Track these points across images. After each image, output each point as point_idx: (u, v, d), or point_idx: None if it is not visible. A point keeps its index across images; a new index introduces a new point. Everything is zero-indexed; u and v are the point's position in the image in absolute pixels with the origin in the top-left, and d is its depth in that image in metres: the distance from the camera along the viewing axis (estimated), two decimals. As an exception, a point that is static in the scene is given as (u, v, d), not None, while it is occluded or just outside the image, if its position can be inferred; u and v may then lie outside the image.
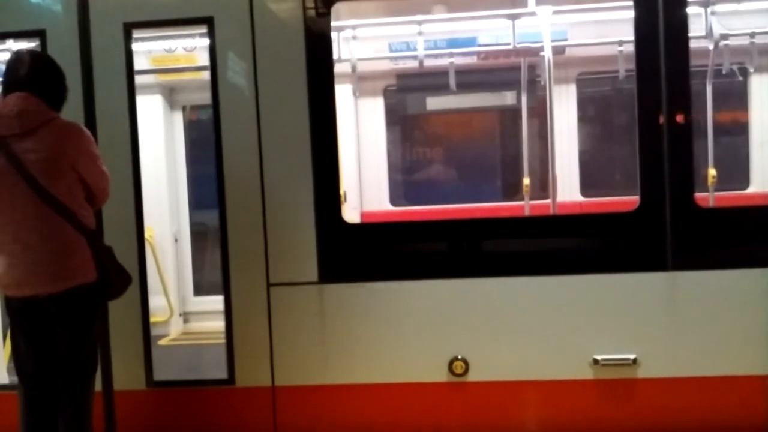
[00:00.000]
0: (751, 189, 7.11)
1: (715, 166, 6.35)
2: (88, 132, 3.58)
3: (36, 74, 3.52)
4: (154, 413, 4.35)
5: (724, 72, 6.32)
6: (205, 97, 7.60)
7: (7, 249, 3.43)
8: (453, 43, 6.66)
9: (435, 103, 7.42)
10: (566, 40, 6.56)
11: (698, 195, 4.17)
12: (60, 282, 3.40)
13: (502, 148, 7.89)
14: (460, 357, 4.19)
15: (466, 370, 4.18)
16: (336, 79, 4.33)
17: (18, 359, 3.57)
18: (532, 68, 6.51)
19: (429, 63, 6.56)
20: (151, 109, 7.67)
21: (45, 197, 3.37)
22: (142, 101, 7.49)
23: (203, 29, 4.35)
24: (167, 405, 4.35)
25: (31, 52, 3.72)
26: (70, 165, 3.44)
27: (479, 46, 6.77)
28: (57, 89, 3.59)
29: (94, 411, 3.63)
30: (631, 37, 4.22)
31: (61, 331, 3.48)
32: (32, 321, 3.50)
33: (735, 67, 6.48)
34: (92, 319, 3.58)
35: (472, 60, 6.88)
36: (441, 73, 6.57)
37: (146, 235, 7.39)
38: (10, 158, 3.36)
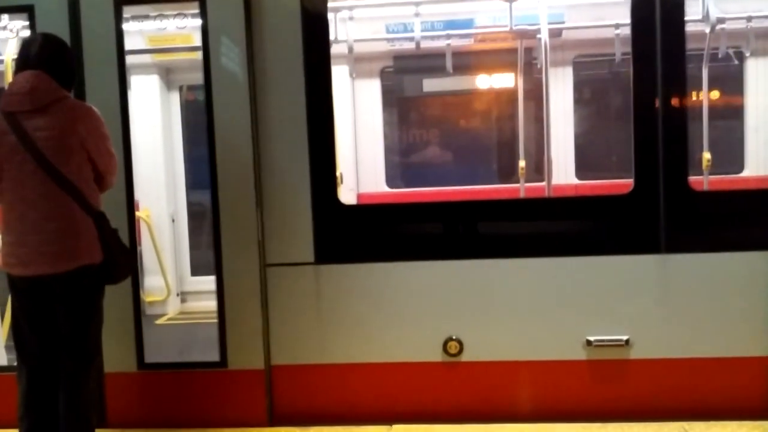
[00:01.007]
0: (746, 173, 7.15)
1: (710, 150, 6.38)
2: (98, 112, 3.56)
3: (47, 53, 3.48)
4: (146, 396, 4.35)
5: (720, 56, 6.33)
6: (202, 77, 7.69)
7: (13, 227, 3.41)
8: (450, 24, 6.66)
9: (432, 85, 7.42)
10: (563, 22, 6.55)
11: (692, 178, 4.20)
12: (65, 262, 3.36)
13: (498, 130, 7.90)
14: (454, 337, 4.23)
15: (461, 350, 4.23)
16: (332, 60, 4.33)
17: (19, 338, 3.53)
18: (529, 51, 6.51)
19: (426, 45, 6.54)
20: (147, 89, 7.66)
21: (54, 176, 3.34)
22: (138, 81, 7.58)
23: (195, 9, 4.31)
24: (158, 388, 4.35)
25: (43, 33, 3.70)
26: (80, 144, 3.41)
27: (476, 28, 6.75)
28: (67, 69, 3.56)
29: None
30: (628, 20, 4.22)
31: (65, 312, 3.44)
32: (36, 300, 3.46)
33: (731, 51, 6.50)
34: (96, 300, 3.56)
35: (469, 42, 6.87)
36: (438, 55, 6.56)
37: (143, 215, 7.49)
38: (20, 135, 3.33)
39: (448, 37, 6.52)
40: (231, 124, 4.24)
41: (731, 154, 7.16)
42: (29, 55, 3.48)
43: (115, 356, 4.25)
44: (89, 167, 3.49)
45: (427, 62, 7.11)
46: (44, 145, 3.33)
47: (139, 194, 7.51)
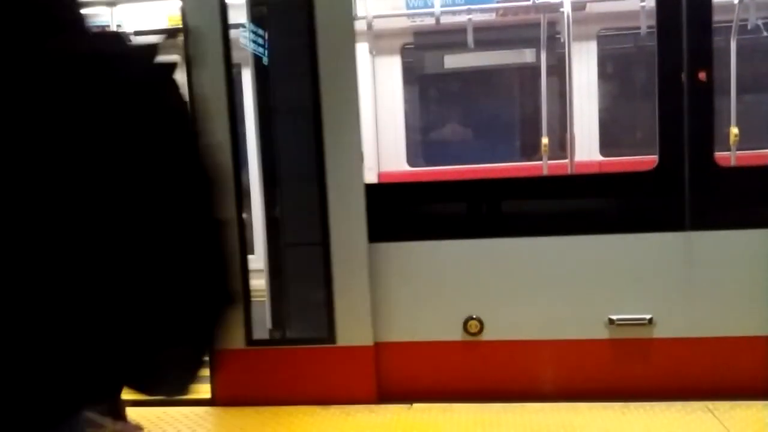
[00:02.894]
0: (775, 148, 6.98)
1: (739, 125, 6.23)
2: None
3: None
4: (253, 373, 4.33)
5: (749, 27, 6.16)
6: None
7: None
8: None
9: (453, 61, 7.32)
10: (587, -6, 6.42)
11: (719, 154, 4.10)
12: None
13: (520, 107, 7.80)
14: (474, 316, 4.20)
15: (481, 330, 4.20)
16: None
17: None
18: (552, 25, 6.39)
19: (447, 20, 6.45)
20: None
21: None
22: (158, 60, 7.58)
23: None
24: (266, 364, 4.33)
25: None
26: None
27: (498, 2, 6.64)
28: None
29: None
30: (654, -8, 4.12)
31: None
32: None
33: (761, 22, 6.32)
34: None
35: (490, 17, 6.76)
36: (459, 30, 6.46)
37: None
38: None
39: (469, 11, 6.41)
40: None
41: (760, 128, 7.00)
42: None
43: (223, 333, 4.26)
44: None
45: (448, 38, 7.01)
46: None
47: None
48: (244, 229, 4.32)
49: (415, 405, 4.15)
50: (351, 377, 4.23)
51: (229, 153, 4.12)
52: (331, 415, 4.08)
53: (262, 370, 4.30)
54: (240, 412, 4.21)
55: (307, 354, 4.27)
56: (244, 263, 4.21)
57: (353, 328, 4.21)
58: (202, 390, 4.44)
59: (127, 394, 1.21)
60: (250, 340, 4.30)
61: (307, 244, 4.27)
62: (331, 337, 4.23)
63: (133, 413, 4.07)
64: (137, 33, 6.99)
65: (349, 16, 4.19)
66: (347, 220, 4.17)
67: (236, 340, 4.27)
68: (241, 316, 4.27)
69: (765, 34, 6.45)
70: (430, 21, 6.42)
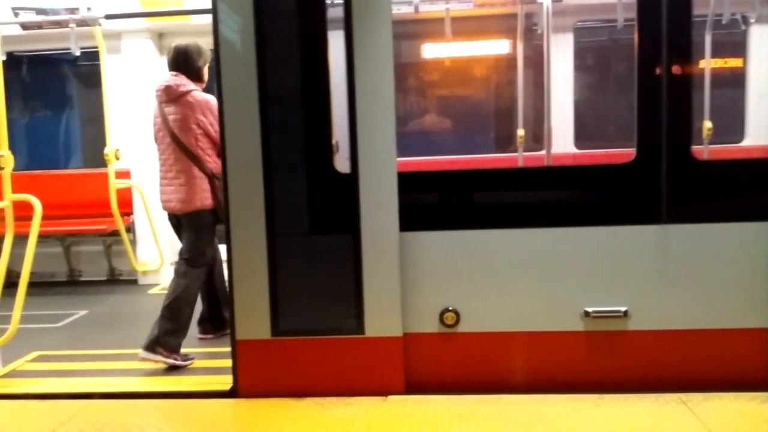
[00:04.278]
0: (746, 142, 7.08)
1: (711, 119, 6.29)
2: (214, 101, 4.71)
3: (174, 59, 5.03)
4: (279, 363, 4.24)
5: (724, 22, 6.21)
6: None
7: (162, 180, 5.07)
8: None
9: (431, 50, 7.29)
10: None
11: (693, 147, 4.12)
12: (184, 205, 4.93)
13: (496, 98, 7.80)
14: (451, 308, 4.18)
15: (458, 321, 4.18)
16: (329, 25, 4.20)
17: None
18: (530, 16, 6.38)
19: (425, 9, 6.40)
20: (139, 54, 7.52)
21: (179, 145, 4.87)
22: (129, 45, 7.44)
23: None
24: (293, 355, 4.23)
25: (175, 44, 5.06)
26: (195, 123, 4.86)
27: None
28: (190, 69, 5.01)
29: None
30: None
31: (186, 236, 5.03)
32: (175, 226, 5.20)
33: (737, 17, 6.38)
34: (204, 231, 5.02)
35: (468, 6, 6.72)
36: (437, 20, 6.42)
37: (136, 183, 7.40)
38: (163, 118, 4.94)
39: (447, 1, 6.37)
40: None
41: (732, 122, 7.08)
42: (168, 62, 5.09)
43: (248, 322, 4.20)
44: (206, 140, 4.91)
45: (426, 27, 6.98)
46: (174, 125, 4.88)
47: (131, 163, 7.51)
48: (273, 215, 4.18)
49: (390, 397, 4.12)
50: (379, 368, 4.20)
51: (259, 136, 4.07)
52: (304, 407, 4.04)
53: (288, 361, 4.23)
54: (263, 403, 4.14)
55: (334, 344, 4.21)
56: (272, 250, 4.15)
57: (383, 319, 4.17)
58: (224, 381, 4.40)
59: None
60: (276, 330, 4.22)
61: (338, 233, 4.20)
62: (360, 327, 4.18)
63: (150, 405, 4.20)
64: (108, 17, 6.86)
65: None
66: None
67: (261, 330, 4.21)
68: (267, 305, 4.20)
69: (739, 28, 6.52)
70: (408, 10, 6.34)
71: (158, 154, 5.09)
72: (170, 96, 4.88)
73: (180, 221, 5.05)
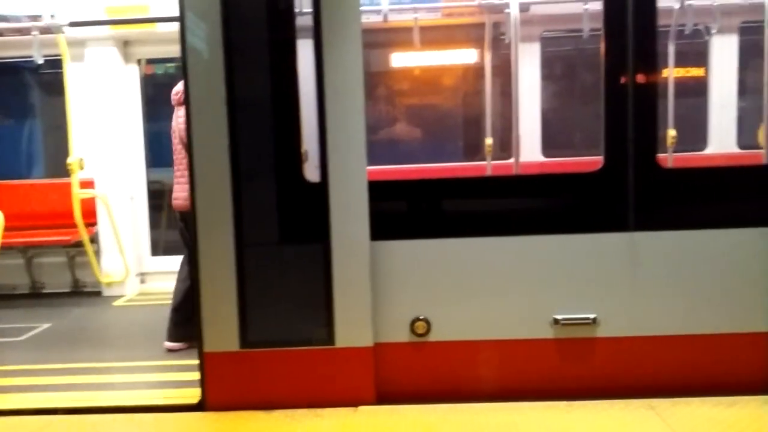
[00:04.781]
0: (709, 150, 7.21)
1: (674, 127, 6.40)
2: None
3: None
4: (247, 376, 4.18)
5: (686, 32, 6.33)
6: (161, 51, 7.51)
7: (174, 180, 5.42)
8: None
9: (400, 60, 7.31)
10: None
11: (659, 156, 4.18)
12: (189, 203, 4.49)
13: (464, 107, 7.84)
14: (421, 317, 4.17)
15: (428, 330, 4.17)
16: (298, 33, 4.18)
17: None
18: (497, 26, 6.43)
19: (393, 18, 6.42)
20: (104, 62, 7.42)
21: (186, 147, 4.62)
22: (94, 53, 7.33)
23: None
24: (261, 367, 4.17)
25: None
26: None
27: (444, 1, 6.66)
28: None
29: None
30: (597, -5, 4.15)
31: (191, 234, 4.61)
32: (185, 223, 5.33)
33: (699, 27, 6.50)
34: None
35: (436, 16, 6.76)
36: (406, 29, 6.44)
37: (100, 193, 7.29)
38: (175, 121, 5.30)
39: (416, 11, 6.40)
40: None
41: (695, 131, 7.21)
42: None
43: (216, 334, 4.13)
44: None
45: (396, 36, 6.99)
46: (181, 127, 5.07)
47: (95, 173, 7.39)
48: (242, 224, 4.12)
49: (361, 408, 4.09)
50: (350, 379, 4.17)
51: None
52: (274, 419, 3.99)
53: (257, 373, 4.17)
54: (232, 416, 4.08)
55: (304, 355, 4.16)
56: (240, 260, 4.09)
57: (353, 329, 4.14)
58: (192, 395, 4.32)
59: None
60: (245, 342, 4.16)
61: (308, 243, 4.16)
62: (330, 338, 4.14)
63: (116, 420, 4.11)
64: (72, 24, 6.76)
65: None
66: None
67: (230, 341, 4.14)
68: (235, 316, 4.13)
69: (701, 39, 6.65)
70: (376, 18, 6.35)
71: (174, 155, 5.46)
72: (179, 100, 5.22)
73: (186, 221, 5.17)
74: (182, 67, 4.03)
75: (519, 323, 4.17)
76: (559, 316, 4.14)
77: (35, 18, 6.77)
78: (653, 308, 4.11)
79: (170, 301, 5.49)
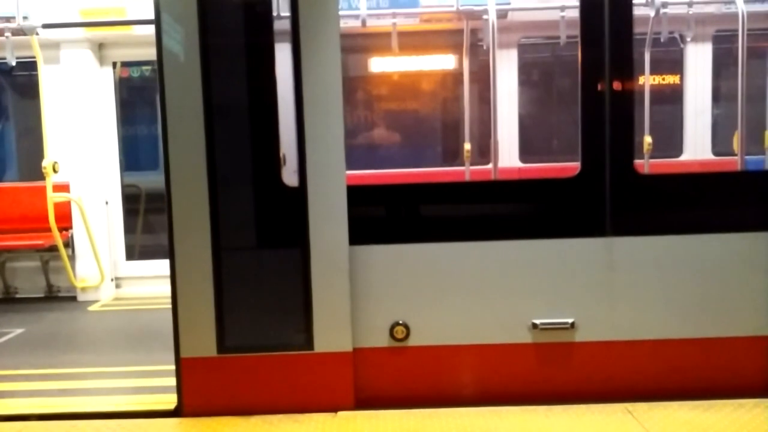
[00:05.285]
0: (684, 156, 7.30)
1: (651, 134, 6.47)
2: None
3: None
4: (225, 381, 4.14)
5: (662, 40, 6.41)
6: (136, 54, 7.45)
7: None
8: (396, 3, 6.55)
9: (378, 65, 7.31)
10: (509, 3, 6.53)
11: (635, 162, 4.22)
12: None
13: (443, 112, 7.86)
14: (401, 322, 4.16)
15: (407, 335, 4.16)
16: (276, 38, 4.16)
17: None
18: (475, 32, 6.46)
19: (372, 23, 6.42)
20: (79, 65, 7.34)
21: None
22: (69, 56, 7.24)
23: None
24: (239, 372, 4.14)
25: None
26: None
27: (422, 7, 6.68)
28: None
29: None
30: (574, 3, 4.18)
31: None
32: None
33: (675, 35, 6.59)
34: None
35: (415, 22, 6.78)
36: (384, 34, 6.45)
37: (75, 197, 7.19)
38: None
39: (394, 15, 6.41)
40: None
41: (671, 137, 7.30)
42: None
43: (193, 339, 4.07)
44: None
45: (374, 42, 7.00)
46: None
47: (70, 176, 7.29)
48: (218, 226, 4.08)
49: (340, 413, 4.07)
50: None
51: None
52: (252, 425, 3.95)
53: (235, 378, 4.13)
54: (209, 422, 4.03)
55: (283, 361, 4.13)
56: (218, 265, 4.05)
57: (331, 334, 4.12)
58: (168, 401, 4.25)
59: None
60: (222, 347, 4.12)
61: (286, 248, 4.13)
62: (308, 343, 4.12)
63: (91, 427, 4.03)
64: (46, 26, 6.68)
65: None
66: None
67: (207, 347, 4.10)
68: (212, 321, 4.09)
69: (677, 47, 6.74)
70: (354, 23, 6.35)
71: None
72: None
73: None
74: (158, 71, 4.00)
75: (497, 328, 4.18)
76: (537, 321, 4.15)
77: (8, 19, 6.67)
78: (630, 313, 4.14)
79: (146, 307, 5.40)
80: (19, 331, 6.35)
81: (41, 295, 7.74)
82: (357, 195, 4.14)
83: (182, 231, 4.06)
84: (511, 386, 4.18)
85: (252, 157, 4.11)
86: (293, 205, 4.05)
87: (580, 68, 4.11)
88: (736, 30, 5.37)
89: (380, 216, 4.34)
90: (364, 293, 4.15)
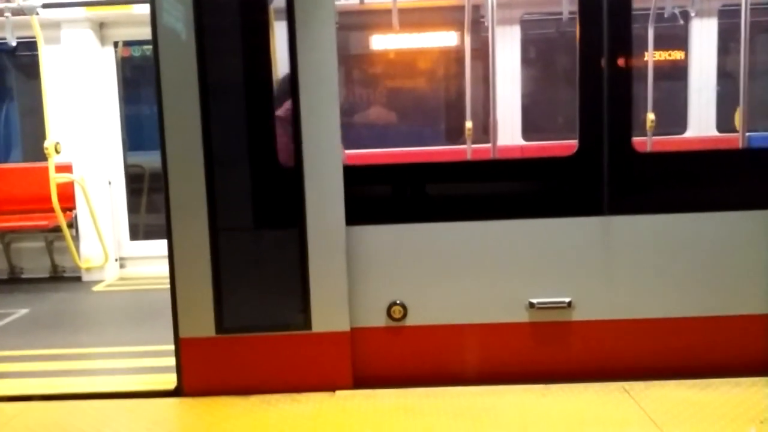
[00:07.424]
0: (688, 133, 7.23)
1: (654, 111, 6.41)
2: None
3: None
4: (224, 361, 4.17)
5: (666, 15, 6.32)
6: (138, 33, 7.43)
7: None
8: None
9: (378, 42, 7.26)
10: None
11: (636, 140, 4.18)
12: None
13: (444, 90, 7.81)
14: (398, 302, 4.17)
15: (405, 315, 4.18)
16: (273, 15, 4.13)
17: None
18: (476, 8, 6.39)
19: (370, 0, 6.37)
20: (80, 45, 7.33)
21: None
22: (70, 35, 7.23)
23: None
24: (238, 352, 4.16)
25: None
26: None
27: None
28: None
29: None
30: (575, -22, 4.13)
31: None
32: None
33: (677, 11, 6.50)
34: None
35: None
36: (383, 11, 6.39)
37: (77, 177, 7.22)
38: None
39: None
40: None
41: (675, 114, 7.23)
42: None
43: (192, 320, 4.10)
44: None
45: (373, 19, 6.94)
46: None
47: (73, 157, 7.31)
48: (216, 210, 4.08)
49: (338, 392, 4.10)
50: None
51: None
52: (251, 404, 3.99)
53: (234, 358, 4.16)
54: (208, 402, 4.06)
55: (281, 340, 4.15)
56: (215, 246, 4.05)
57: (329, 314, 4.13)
58: (168, 380, 4.29)
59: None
60: (220, 327, 4.14)
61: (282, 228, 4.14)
62: (306, 322, 4.13)
63: (92, 407, 4.06)
64: (46, 5, 6.66)
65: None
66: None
67: (205, 327, 4.12)
68: (210, 302, 4.11)
69: (680, 22, 6.65)
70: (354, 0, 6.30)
71: None
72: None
73: None
74: (153, 49, 3.98)
75: (495, 307, 4.18)
76: (534, 300, 4.15)
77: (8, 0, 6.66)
78: (627, 292, 4.13)
79: (150, 286, 5.42)
80: (24, 311, 6.41)
81: (46, 275, 7.81)
82: (353, 175, 4.13)
83: (179, 211, 4.06)
84: (508, 365, 4.19)
85: (248, 137, 4.10)
86: (290, 185, 4.05)
87: (578, 44, 4.06)
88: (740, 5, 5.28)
89: (377, 196, 4.33)
90: (362, 273, 4.15)
